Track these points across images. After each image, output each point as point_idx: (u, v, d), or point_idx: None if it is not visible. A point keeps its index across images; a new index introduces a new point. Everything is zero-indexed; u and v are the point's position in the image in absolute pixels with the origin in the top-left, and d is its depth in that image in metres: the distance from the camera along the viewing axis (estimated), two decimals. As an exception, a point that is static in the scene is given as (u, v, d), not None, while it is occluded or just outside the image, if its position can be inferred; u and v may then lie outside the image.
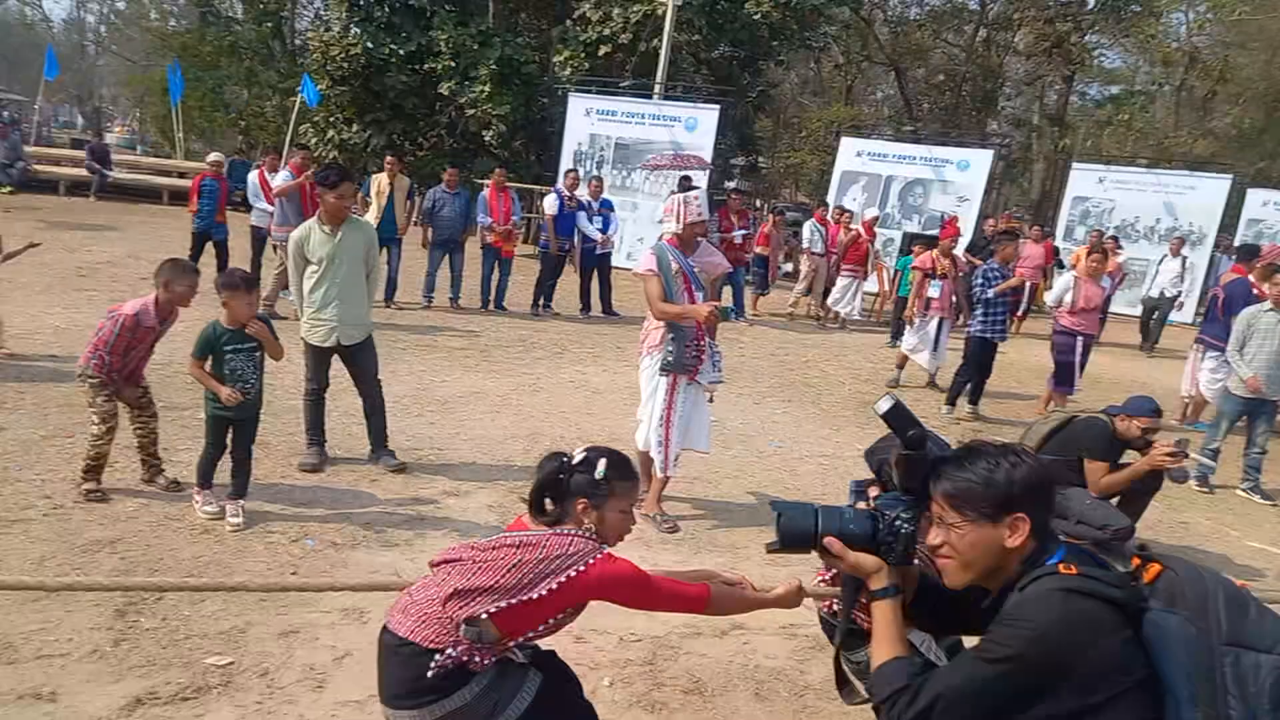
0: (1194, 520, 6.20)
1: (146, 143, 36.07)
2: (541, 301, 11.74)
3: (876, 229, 13.33)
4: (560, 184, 12.18)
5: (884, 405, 1.86)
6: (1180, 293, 13.70)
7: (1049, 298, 8.92)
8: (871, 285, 13.71)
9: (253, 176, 10.89)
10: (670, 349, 4.95)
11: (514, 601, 2.19)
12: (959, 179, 17.17)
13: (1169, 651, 1.54)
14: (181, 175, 20.17)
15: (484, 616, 2.19)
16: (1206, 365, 8.65)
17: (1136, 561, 1.71)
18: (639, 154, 16.47)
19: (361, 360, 5.63)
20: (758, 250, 13.39)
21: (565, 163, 15.90)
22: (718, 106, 16.91)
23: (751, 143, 26.63)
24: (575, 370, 8.73)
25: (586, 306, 11.88)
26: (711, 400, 5.29)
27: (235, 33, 28.34)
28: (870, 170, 17.53)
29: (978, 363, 8.27)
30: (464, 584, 2.22)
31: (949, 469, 1.73)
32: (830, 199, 16.48)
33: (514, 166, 20.09)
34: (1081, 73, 32.67)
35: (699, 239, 5.16)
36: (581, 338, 10.28)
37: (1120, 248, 14.25)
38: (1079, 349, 8.04)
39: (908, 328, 9.45)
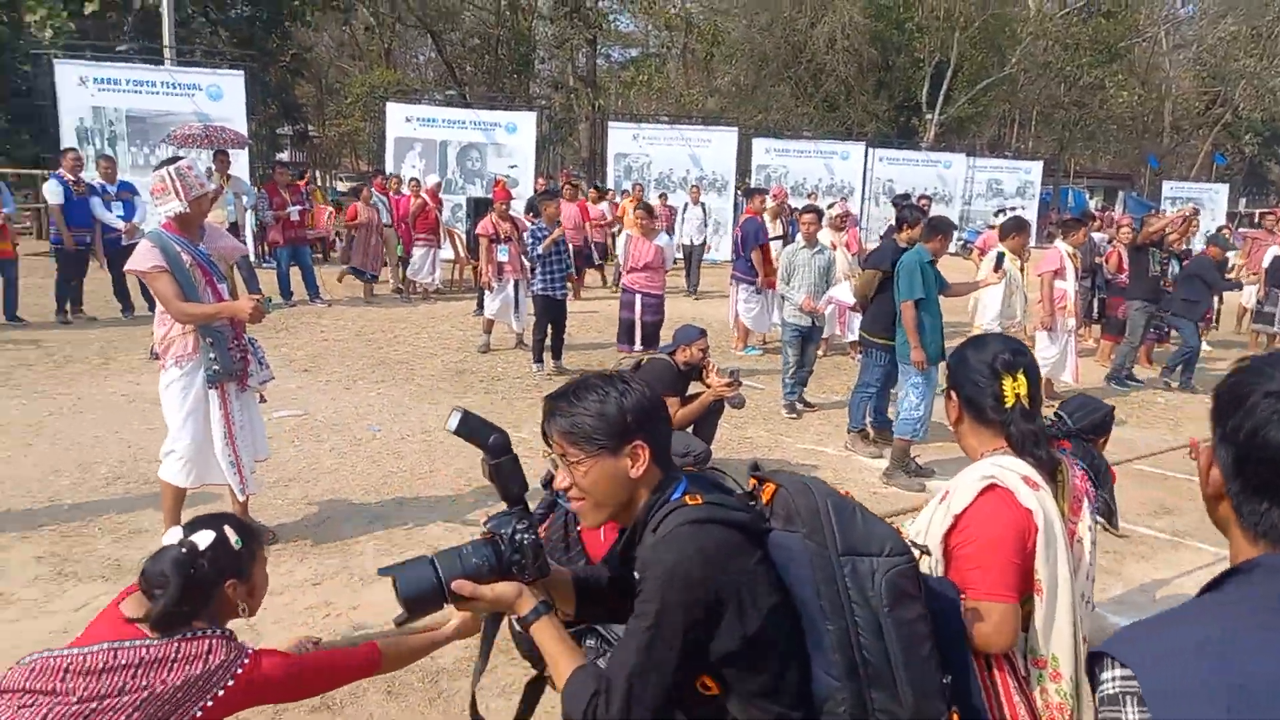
0: (755, 434, 7.14)
1: None
2: (69, 305, 10.03)
3: (441, 195, 13.30)
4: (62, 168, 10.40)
5: (453, 422, 1.71)
6: (705, 237, 15.49)
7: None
8: (447, 253, 13.72)
9: None
10: (213, 356, 4.35)
11: None
12: (510, 141, 17.76)
13: (796, 570, 1.56)
14: None
15: None
16: (740, 297, 9.98)
17: (753, 482, 1.72)
18: (159, 128, 14.61)
19: None
20: (348, 229, 12.60)
21: (67, 142, 13.63)
22: (242, 72, 15.57)
23: (297, 111, 25.04)
24: (126, 381, 7.59)
25: (127, 306, 10.37)
26: (264, 400, 4.86)
27: None
28: (424, 136, 17.42)
29: (548, 319, 8.60)
30: None
31: (561, 405, 1.64)
32: (389, 168, 16.11)
33: (5, 149, 16.80)
34: (602, 36, 35.34)
35: (203, 225, 4.52)
36: (129, 342, 8.96)
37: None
38: (638, 306, 8.41)
39: (487, 293, 9.60)
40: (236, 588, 2.01)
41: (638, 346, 8.56)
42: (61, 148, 12.12)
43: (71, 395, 7.12)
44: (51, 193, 9.99)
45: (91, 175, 10.53)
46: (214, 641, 1.92)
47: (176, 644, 1.88)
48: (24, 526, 4.71)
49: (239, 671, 1.91)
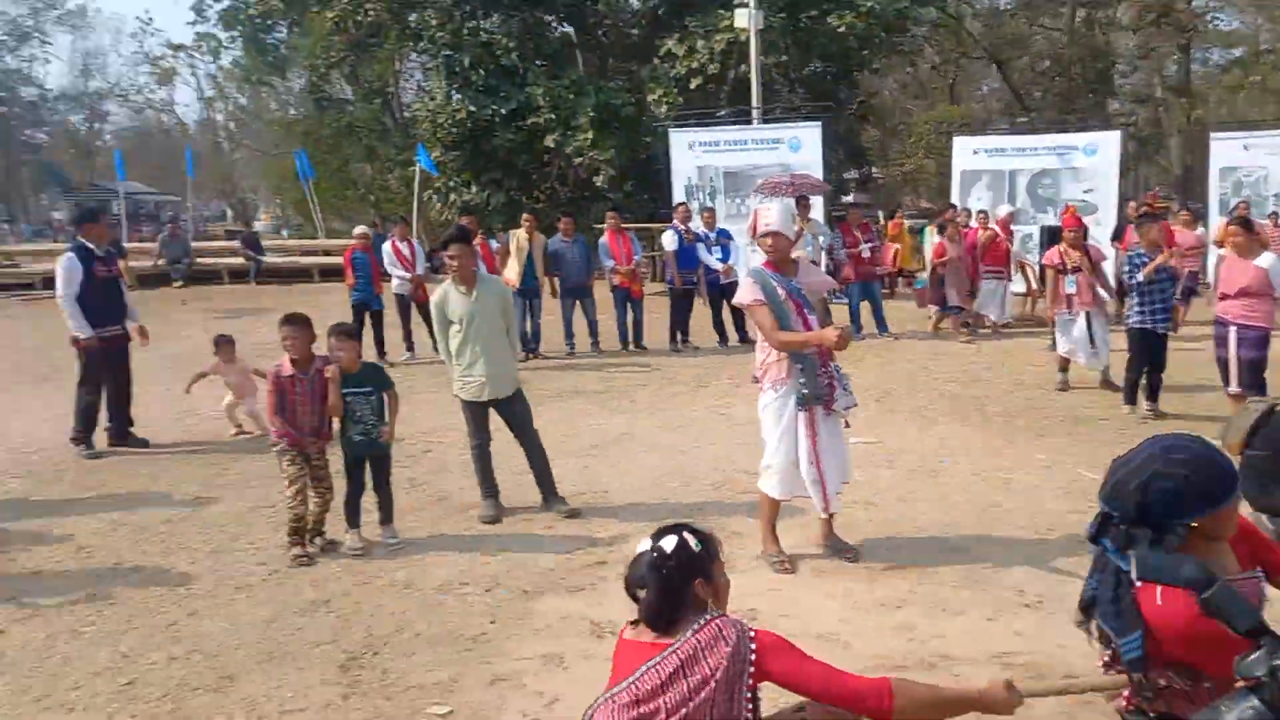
0: None
1: (291, 226, 38.50)
2: (679, 336, 11.82)
3: (1011, 226, 12.87)
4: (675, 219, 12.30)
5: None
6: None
7: None
8: (1019, 285, 13.20)
9: (387, 246, 11.52)
10: (803, 381, 4.70)
11: None
12: (1088, 164, 16.39)
13: None
14: (327, 253, 21.26)
15: None
16: None
17: None
18: (749, 180, 16.36)
19: (515, 411, 5.82)
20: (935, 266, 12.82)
21: (678, 198, 15.86)
22: (818, 123, 16.72)
23: (861, 154, 26.32)
24: (717, 403, 8.69)
25: (722, 337, 11.88)
26: (848, 425, 5.07)
27: (349, 114, 29.86)
28: (991, 167, 16.95)
29: (1143, 355, 7.77)
30: None
31: None
32: (957, 202, 16.02)
33: (629, 208, 20.41)
34: (1198, 39, 30.93)
35: (795, 259, 4.90)
36: (720, 369, 10.25)
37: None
38: (1231, 341, 7.02)
39: (1057, 329, 9.02)
40: (704, 586, 2.17)
41: (1232, 388, 7.17)
42: (673, 203, 14.29)
43: (676, 412, 8.37)
44: (669, 241, 11.92)
45: (696, 225, 12.26)
46: (718, 622, 2.09)
47: (693, 638, 2.06)
48: (651, 519, 5.55)
49: (753, 635, 2.08)
